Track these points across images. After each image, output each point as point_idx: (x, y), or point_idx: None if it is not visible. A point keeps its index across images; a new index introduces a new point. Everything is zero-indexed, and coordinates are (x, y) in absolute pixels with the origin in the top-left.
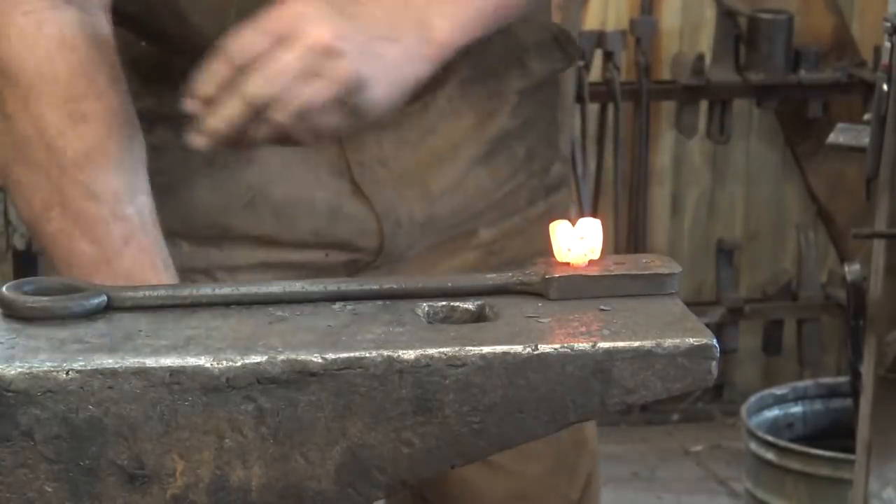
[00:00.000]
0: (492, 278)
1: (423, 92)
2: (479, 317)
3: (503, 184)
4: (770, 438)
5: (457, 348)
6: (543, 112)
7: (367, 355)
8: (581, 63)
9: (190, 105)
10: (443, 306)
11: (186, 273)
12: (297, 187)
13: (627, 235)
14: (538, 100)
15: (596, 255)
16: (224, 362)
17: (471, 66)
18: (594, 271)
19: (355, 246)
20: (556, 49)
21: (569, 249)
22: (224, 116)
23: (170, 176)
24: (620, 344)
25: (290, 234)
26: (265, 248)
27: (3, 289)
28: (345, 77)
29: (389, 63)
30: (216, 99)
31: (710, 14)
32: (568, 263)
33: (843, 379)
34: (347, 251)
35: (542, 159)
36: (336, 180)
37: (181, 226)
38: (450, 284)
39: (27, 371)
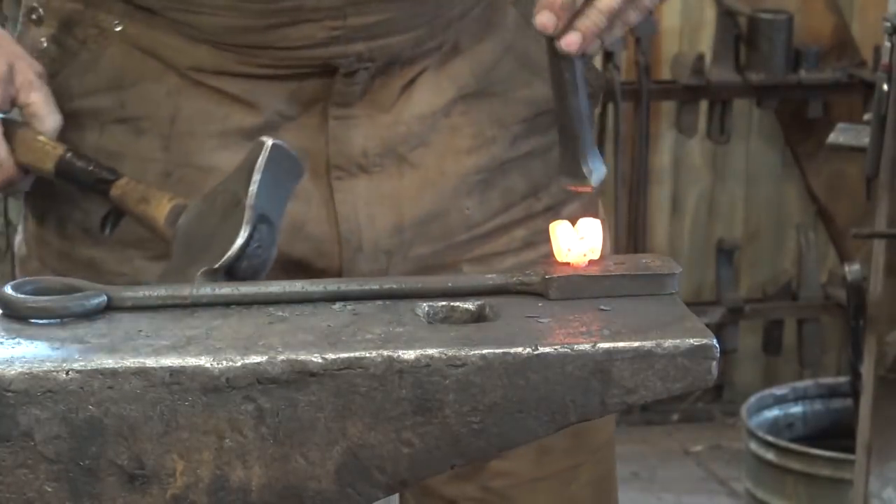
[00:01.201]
0: (492, 278)
1: (424, 98)
2: (479, 317)
3: (493, 217)
4: (770, 438)
5: (457, 348)
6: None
7: (367, 355)
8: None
9: (544, 17)
10: (443, 306)
11: None
12: None
13: (627, 235)
14: (552, 131)
15: (596, 256)
16: (224, 362)
17: (475, 81)
18: (594, 271)
19: (313, 267)
20: None
21: (569, 249)
22: (587, 28)
23: None
24: (620, 344)
25: None
26: None
27: (4, 289)
28: None
29: None
30: (573, 3)
31: (710, 14)
32: (568, 263)
33: (843, 379)
34: (306, 272)
35: (551, 197)
36: (310, 185)
37: (134, 238)
38: (450, 284)
39: (27, 371)
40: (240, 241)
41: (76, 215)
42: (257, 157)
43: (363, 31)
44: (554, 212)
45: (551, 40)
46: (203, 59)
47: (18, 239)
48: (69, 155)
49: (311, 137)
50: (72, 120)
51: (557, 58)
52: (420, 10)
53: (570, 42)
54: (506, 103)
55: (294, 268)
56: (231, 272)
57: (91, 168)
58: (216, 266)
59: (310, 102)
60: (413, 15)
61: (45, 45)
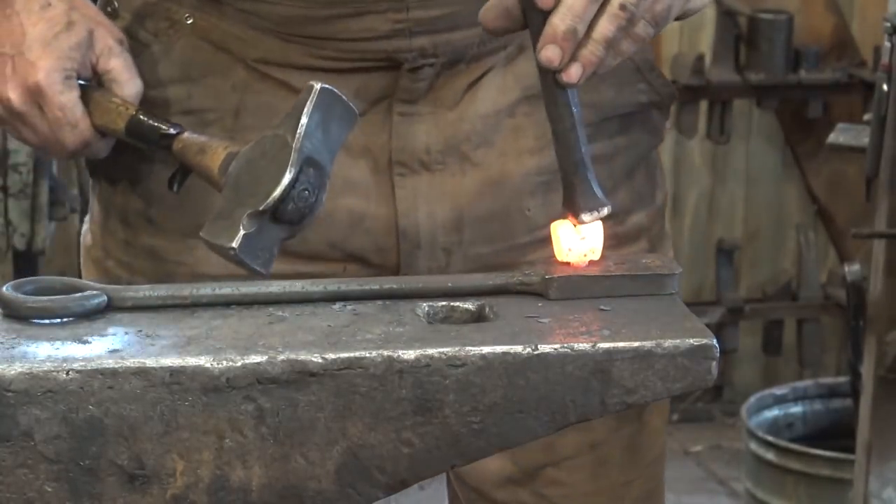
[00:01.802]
0: (492, 278)
1: (489, 97)
2: (479, 317)
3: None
4: (770, 438)
5: (457, 348)
6: (626, 151)
7: (367, 355)
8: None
9: (550, 52)
10: (443, 306)
11: (198, 278)
12: None
13: None
14: (617, 136)
15: (596, 256)
16: (224, 362)
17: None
18: (594, 271)
19: (370, 262)
20: (636, 80)
21: (569, 249)
22: (586, 58)
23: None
24: (620, 344)
25: (304, 246)
26: (279, 257)
27: (4, 289)
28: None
29: None
30: (576, 33)
31: (710, 14)
32: (568, 263)
33: (843, 379)
34: (364, 266)
35: (617, 205)
36: (371, 180)
37: (195, 228)
38: (450, 284)
39: (27, 371)
40: (284, 181)
41: (138, 204)
42: (306, 101)
43: (427, 25)
44: (618, 220)
45: (552, 74)
46: (270, 51)
47: (84, 228)
48: (140, 114)
49: (374, 133)
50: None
51: (557, 90)
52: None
53: (572, 74)
54: None
55: (352, 261)
56: (277, 216)
57: (156, 124)
58: (261, 208)
59: (374, 98)
60: (476, 11)
61: None
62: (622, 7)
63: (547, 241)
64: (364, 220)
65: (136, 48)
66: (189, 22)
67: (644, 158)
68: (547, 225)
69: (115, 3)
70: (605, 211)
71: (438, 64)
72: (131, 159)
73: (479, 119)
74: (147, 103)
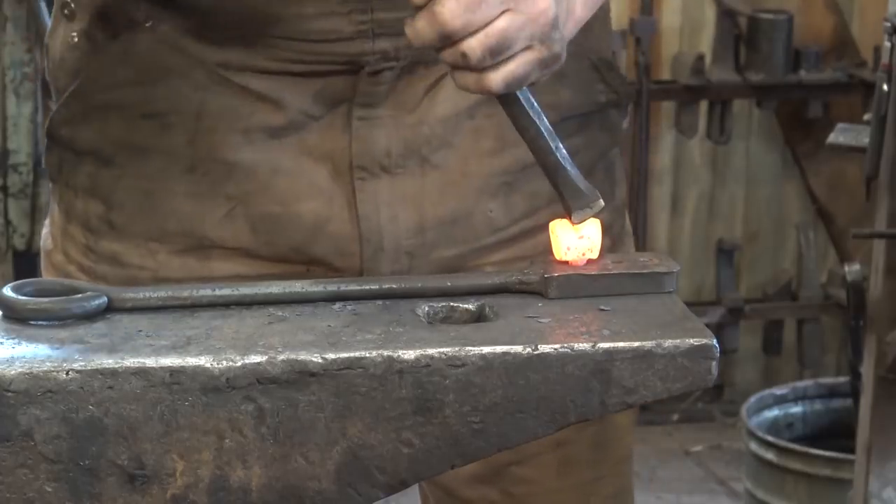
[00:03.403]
0: (491, 277)
1: (448, 99)
2: (479, 317)
3: (517, 221)
4: (770, 438)
5: (457, 348)
6: (584, 151)
7: (367, 355)
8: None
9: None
10: (443, 306)
11: (161, 283)
12: (282, 200)
13: None
14: (575, 136)
15: (595, 254)
16: (224, 362)
17: None
18: (592, 270)
19: (334, 266)
20: (595, 80)
21: (567, 248)
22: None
23: (150, 180)
24: (620, 344)
25: (268, 249)
26: (243, 260)
27: (4, 290)
28: (543, 12)
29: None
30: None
31: (710, 14)
32: (566, 262)
33: (843, 379)
34: (328, 270)
35: None
36: (333, 184)
37: (158, 232)
38: (450, 284)
39: (27, 371)
40: None
41: (99, 209)
42: None
43: (389, 27)
44: None
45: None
46: (230, 55)
47: (45, 232)
48: None
49: (334, 137)
50: (99, 113)
51: (508, 103)
52: None
53: (485, 85)
54: None
55: (315, 266)
56: None
57: None
58: None
59: (334, 102)
60: None
61: (76, 39)
62: (463, 55)
63: (510, 241)
64: (326, 225)
65: (94, 50)
66: (148, 25)
67: (603, 157)
68: (509, 226)
69: (72, 5)
70: (599, 204)
71: (398, 67)
72: (93, 164)
73: (438, 122)
74: (106, 107)
